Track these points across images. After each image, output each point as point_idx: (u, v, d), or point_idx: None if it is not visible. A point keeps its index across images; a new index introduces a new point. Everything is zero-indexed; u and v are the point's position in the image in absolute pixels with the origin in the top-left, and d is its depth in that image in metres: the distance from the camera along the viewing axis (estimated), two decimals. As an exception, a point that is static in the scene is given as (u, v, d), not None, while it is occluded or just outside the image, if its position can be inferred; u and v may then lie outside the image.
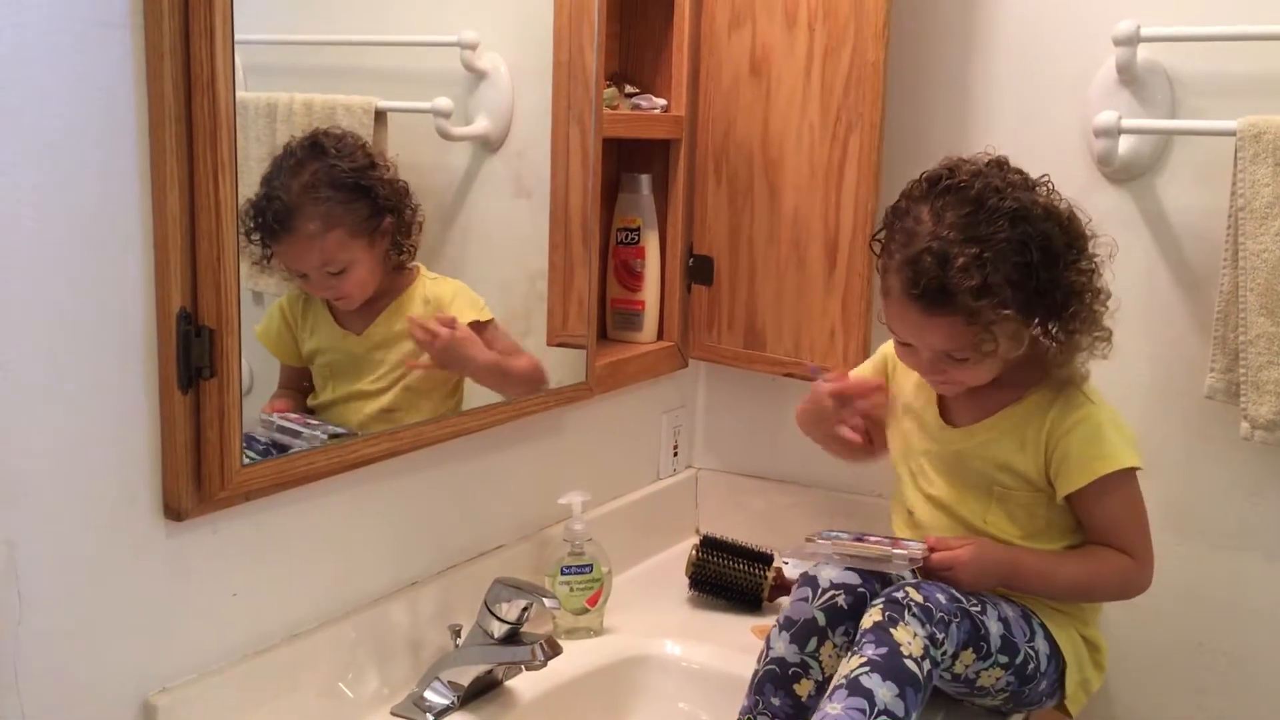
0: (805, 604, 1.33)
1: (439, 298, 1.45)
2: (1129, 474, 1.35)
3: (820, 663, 1.31)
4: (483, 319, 1.48)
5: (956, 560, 1.33)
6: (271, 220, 1.28)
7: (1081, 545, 1.39)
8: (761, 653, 1.34)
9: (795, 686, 1.31)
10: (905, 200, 1.33)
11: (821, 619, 1.32)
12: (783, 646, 1.32)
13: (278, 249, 1.32)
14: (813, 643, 1.32)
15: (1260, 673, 1.62)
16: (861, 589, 1.33)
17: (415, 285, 1.44)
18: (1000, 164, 1.33)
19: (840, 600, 1.33)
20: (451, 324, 1.43)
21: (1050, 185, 1.34)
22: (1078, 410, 1.35)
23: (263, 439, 1.27)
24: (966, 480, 1.40)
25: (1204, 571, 1.64)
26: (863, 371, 1.55)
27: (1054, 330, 1.33)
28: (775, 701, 1.31)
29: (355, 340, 1.40)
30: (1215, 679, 1.65)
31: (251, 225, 1.26)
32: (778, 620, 1.36)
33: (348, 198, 1.33)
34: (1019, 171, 1.33)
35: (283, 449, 1.26)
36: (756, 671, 1.34)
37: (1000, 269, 1.25)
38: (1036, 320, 1.31)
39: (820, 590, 1.33)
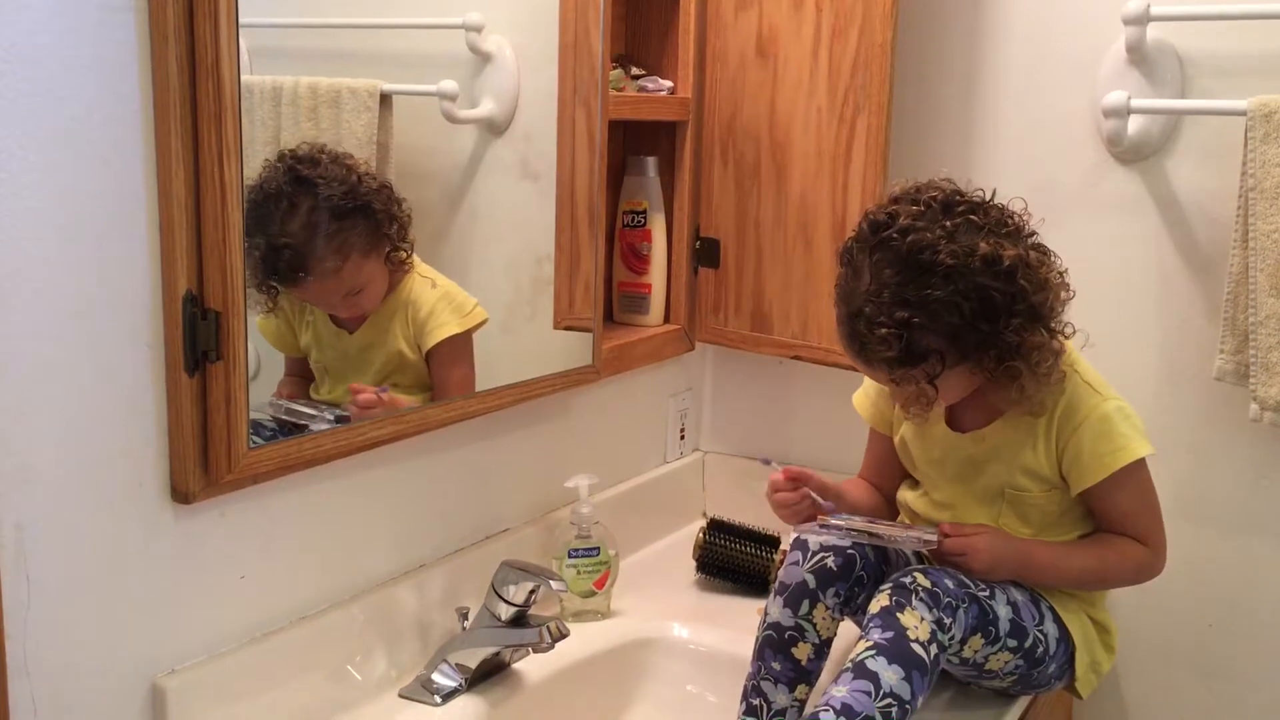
0: (796, 568, 1.34)
1: (417, 304, 1.42)
2: (1140, 463, 1.34)
3: (815, 625, 1.32)
4: (461, 330, 1.44)
5: (970, 546, 1.33)
6: (286, 268, 1.28)
7: (1093, 533, 1.39)
8: (761, 620, 1.36)
9: (794, 650, 1.32)
10: (853, 243, 1.30)
11: (811, 581, 1.33)
12: (777, 611, 1.34)
13: (296, 291, 1.32)
14: (805, 605, 1.32)
15: (1270, 655, 1.62)
16: (850, 551, 1.34)
17: (405, 282, 1.41)
18: (948, 205, 1.26)
19: (829, 562, 1.33)
20: (377, 393, 1.37)
21: (1016, 218, 1.28)
22: (1084, 404, 1.33)
23: (270, 423, 1.28)
24: (978, 485, 1.39)
25: (1214, 554, 1.63)
26: (867, 391, 1.51)
27: (1001, 371, 1.27)
28: (776, 666, 1.33)
29: (348, 339, 1.40)
30: (1225, 661, 1.65)
31: (263, 276, 1.25)
32: (773, 587, 1.37)
33: (351, 223, 1.32)
34: (973, 210, 1.26)
35: (290, 433, 1.26)
36: (757, 638, 1.35)
37: (931, 328, 1.23)
38: (985, 363, 1.27)
39: (810, 554, 1.34)
